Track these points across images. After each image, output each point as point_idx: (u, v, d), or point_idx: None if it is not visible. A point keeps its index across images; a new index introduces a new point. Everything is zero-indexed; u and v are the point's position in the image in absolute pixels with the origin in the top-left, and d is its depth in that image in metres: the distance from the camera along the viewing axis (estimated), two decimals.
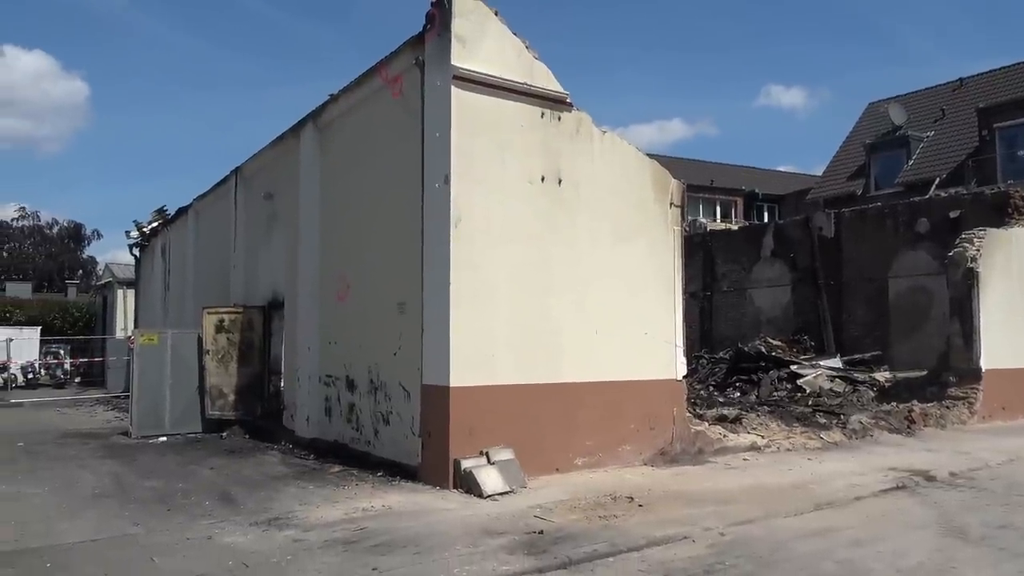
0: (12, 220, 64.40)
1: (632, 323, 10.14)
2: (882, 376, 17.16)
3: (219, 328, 14.10)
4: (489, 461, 8.45)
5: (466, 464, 8.30)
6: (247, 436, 13.16)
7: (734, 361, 18.47)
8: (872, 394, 16.04)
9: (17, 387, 26.34)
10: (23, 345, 28.97)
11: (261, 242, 15.02)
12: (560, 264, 9.49)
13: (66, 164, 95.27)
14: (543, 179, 9.44)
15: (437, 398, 8.61)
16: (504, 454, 8.51)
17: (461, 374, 8.51)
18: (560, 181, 9.59)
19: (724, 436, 11.02)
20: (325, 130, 12.27)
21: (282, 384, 13.81)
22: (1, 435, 13.84)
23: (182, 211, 20.69)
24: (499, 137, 9.02)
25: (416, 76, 9.37)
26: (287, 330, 13.41)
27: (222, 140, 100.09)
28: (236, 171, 16.08)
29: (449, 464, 8.33)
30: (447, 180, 8.65)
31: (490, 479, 8.14)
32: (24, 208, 65.43)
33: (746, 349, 18.68)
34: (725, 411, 13.05)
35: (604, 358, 9.76)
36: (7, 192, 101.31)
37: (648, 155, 10.92)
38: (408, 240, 9.33)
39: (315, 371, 11.95)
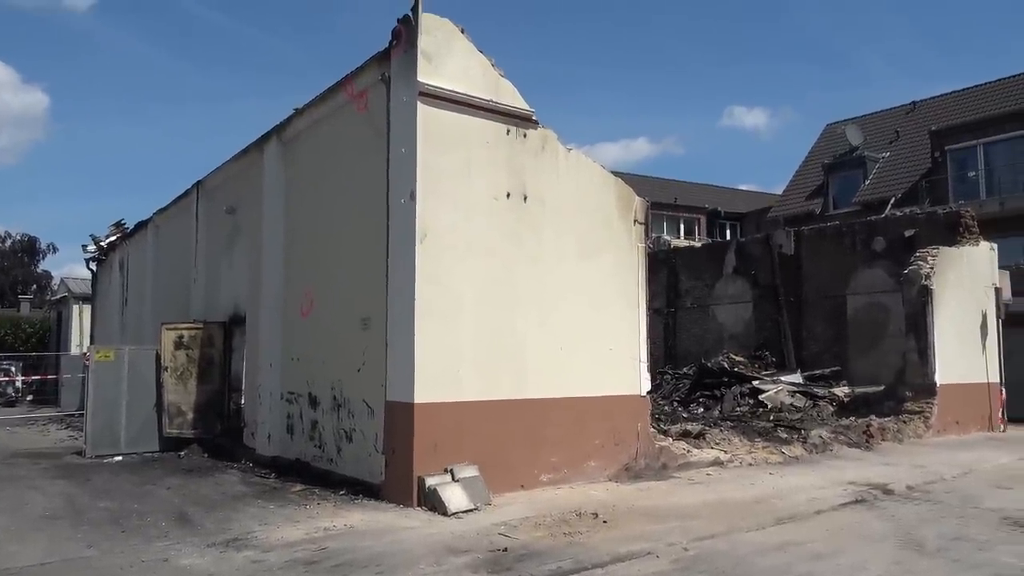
0: None
1: (597, 339, 10.19)
2: (841, 391, 17.48)
3: (178, 344, 13.81)
4: (454, 478, 8.39)
5: (430, 482, 8.23)
6: (206, 455, 12.86)
7: (698, 377, 18.66)
8: (832, 409, 16.32)
9: None
10: None
11: (223, 257, 14.81)
12: (525, 280, 9.52)
13: (22, 176, 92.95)
14: (509, 195, 9.48)
15: (401, 415, 8.54)
16: (469, 471, 8.46)
17: (425, 390, 8.46)
18: (526, 198, 9.65)
19: (688, 451, 11.10)
20: (290, 144, 12.17)
21: (243, 401, 13.56)
22: None
23: (141, 225, 20.31)
24: (465, 153, 9.05)
25: (382, 92, 9.36)
26: (249, 346, 13.20)
27: (186, 154, 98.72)
28: (198, 184, 15.86)
29: (413, 482, 8.26)
30: (413, 196, 8.64)
31: (455, 497, 8.08)
32: None
33: (709, 365, 18.89)
34: (689, 426, 13.16)
35: (569, 374, 9.79)
36: None
37: (614, 173, 11.04)
38: (373, 256, 9.29)
39: (277, 388, 11.78)
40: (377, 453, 8.99)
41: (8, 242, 63.54)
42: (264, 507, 8.38)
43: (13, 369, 30.75)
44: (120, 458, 12.78)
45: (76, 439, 15.22)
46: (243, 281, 13.60)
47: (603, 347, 10.26)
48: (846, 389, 17.69)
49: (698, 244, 31.38)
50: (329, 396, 10.32)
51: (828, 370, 19.19)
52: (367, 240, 9.54)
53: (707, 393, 17.67)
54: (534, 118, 9.78)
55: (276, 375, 11.81)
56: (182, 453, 12.98)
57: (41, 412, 23.72)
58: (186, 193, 16.65)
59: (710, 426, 13.39)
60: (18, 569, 6.03)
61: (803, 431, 13.36)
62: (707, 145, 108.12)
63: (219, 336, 13.98)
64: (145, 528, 7.42)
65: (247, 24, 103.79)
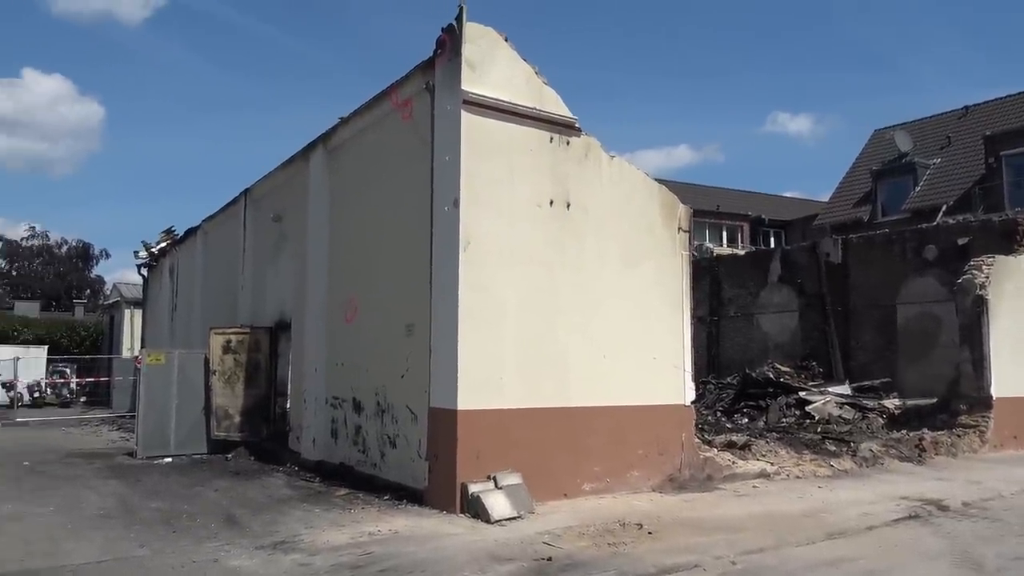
0: (22, 239, 64.93)
1: (640, 347, 10.10)
2: (891, 403, 17.00)
3: (226, 349, 14.09)
4: (497, 486, 8.38)
5: (473, 488, 8.23)
6: (252, 458, 13.10)
7: (741, 387, 18.34)
8: (882, 421, 15.88)
9: (23, 406, 25.99)
10: (30, 364, 28.88)
11: (269, 263, 15.07)
12: (568, 288, 9.48)
13: (78, 185, 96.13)
14: (552, 203, 9.48)
15: (444, 421, 8.56)
16: (512, 479, 8.44)
17: (469, 397, 8.47)
18: (569, 205, 9.63)
19: (733, 463, 10.91)
20: (334, 153, 12.36)
21: (288, 405, 13.78)
22: (7, 454, 13.80)
23: (191, 232, 20.80)
24: (508, 161, 9.07)
25: (426, 100, 9.45)
26: (294, 351, 13.41)
27: (233, 162, 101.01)
28: (245, 193, 16.20)
29: (456, 488, 8.27)
30: (456, 204, 8.68)
31: (498, 504, 8.06)
32: (34, 228, 65.94)
33: (754, 375, 18.56)
34: (734, 437, 12.93)
35: (612, 382, 9.72)
36: (19, 212, 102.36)
37: (655, 180, 10.95)
38: (417, 263, 9.34)
39: (322, 393, 11.93)
40: (420, 459, 9.02)
41: (64, 248, 65.70)
42: (309, 511, 8.48)
43: (68, 371, 31.78)
44: (170, 459, 13.08)
45: (127, 440, 15.66)
46: (289, 287, 13.84)
47: (646, 355, 10.15)
48: (896, 401, 17.20)
49: (741, 252, 30.95)
50: (373, 401, 10.41)
51: (877, 381, 18.68)
52: (411, 247, 9.60)
53: (751, 403, 17.35)
54: (577, 125, 9.77)
55: (321, 380, 11.98)
56: (229, 456, 13.24)
57: (94, 413, 24.49)
58: (234, 201, 17.03)
59: (755, 437, 13.15)
60: (75, 567, 6.20)
61: (852, 444, 13.03)
62: (750, 152, 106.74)
63: (265, 341, 14.24)
64: (195, 529, 7.57)
65: (293, 36, 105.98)
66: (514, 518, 7.93)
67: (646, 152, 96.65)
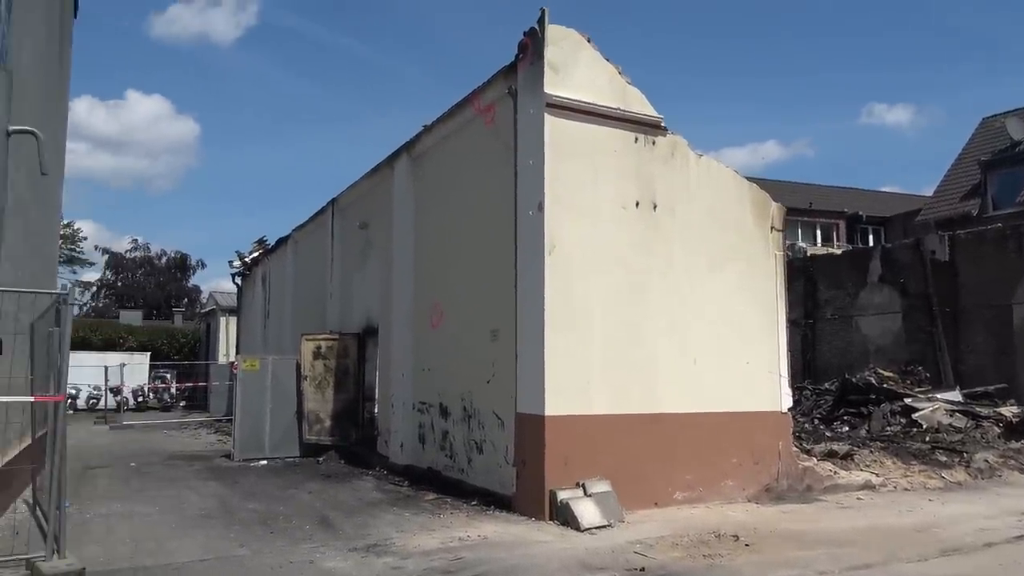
0: (126, 252, 68.77)
1: (733, 352, 9.75)
2: (1009, 411, 15.82)
3: (316, 354, 14.51)
4: (586, 493, 8.27)
5: (562, 495, 8.13)
6: (342, 461, 13.42)
7: (841, 393, 17.48)
8: (998, 430, 14.79)
9: (128, 409, 27.19)
10: (134, 369, 30.29)
11: (356, 270, 15.44)
12: (656, 290, 9.27)
13: (176, 199, 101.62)
14: (637, 204, 9.28)
15: (532, 427, 8.50)
16: (601, 486, 8.30)
17: (556, 403, 8.40)
18: (655, 206, 9.41)
19: (834, 473, 10.39)
20: (419, 160, 12.54)
21: (376, 410, 14.05)
22: (116, 456, 14.62)
23: (282, 241, 21.53)
24: (592, 163, 8.96)
25: (509, 105, 9.44)
26: (381, 357, 13.67)
27: (321, 172, 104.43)
28: (332, 202, 16.64)
29: (545, 495, 8.19)
30: (541, 207, 8.63)
31: (587, 512, 7.93)
32: (136, 240, 69.94)
33: (854, 380, 17.66)
34: (834, 446, 12.32)
35: (703, 388, 9.42)
36: (123, 226, 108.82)
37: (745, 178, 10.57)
38: (502, 267, 9.34)
39: (409, 398, 12.11)
40: (507, 465, 8.99)
41: (163, 259, 69.26)
42: (399, 514, 8.58)
43: (168, 376, 33.60)
44: (264, 462, 13.55)
45: (224, 443, 16.30)
46: (375, 293, 14.12)
47: (739, 360, 9.80)
48: (1014, 408, 15.99)
49: (838, 251, 29.60)
50: (459, 407, 10.47)
51: (992, 387, 17.44)
52: (496, 252, 9.60)
53: (852, 410, 16.51)
54: (662, 124, 9.55)
55: (408, 385, 12.17)
56: (320, 459, 13.61)
57: (192, 417, 25.77)
58: (322, 210, 17.51)
59: (858, 446, 12.48)
60: (179, 565, 6.46)
61: (966, 454, 12.18)
62: (843, 146, 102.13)
63: (354, 347, 14.60)
64: (291, 530, 7.78)
65: (376, 48, 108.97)
66: (604, 526, 7.78)
67: (731, 150, 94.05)
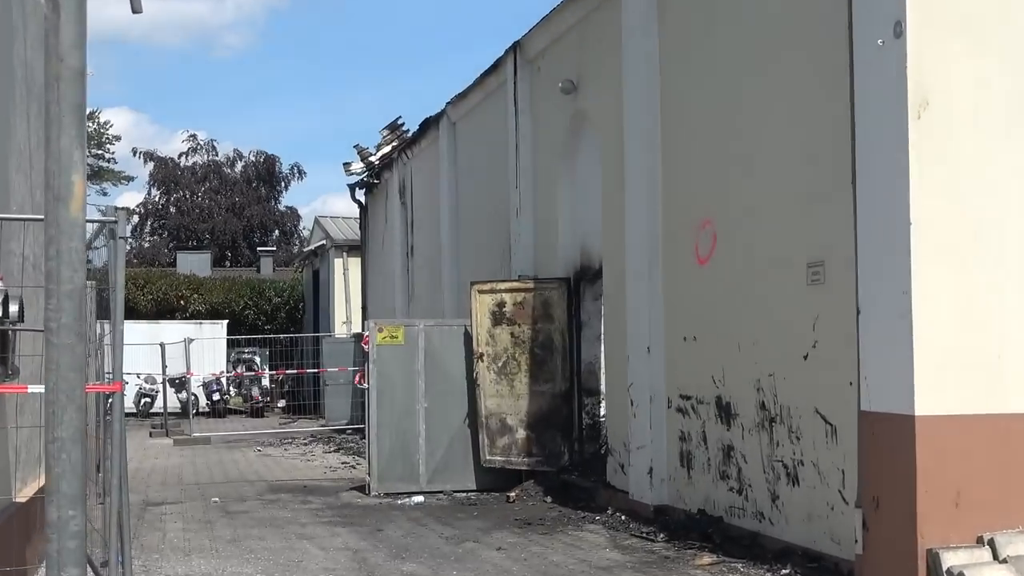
0: (179, 156, 44.16)
1: None
2: None
3: (497, 317, 10.11)
4: (996, 556, 5.58)
5: (951, 561, 5.57)
6: (548, 498, 9.47)
7: None
8: None
9: (199, 413, 19.46)
10: (204, 349, 20.69)
11: (560, 167, 10.81)
12: None
13: (254, 66, 65.26)
14: None
15: (890, 437, 5.66)
16: None
17: (936, 393, 5.56)
18: None
19: None
20: None
21: (602, 411, 9.94)
22: (189, 486, 11.15)
23: (429, 123, 14.65)
24: None
25: None
26: (608, 318, 9.68)
27: (487, 7, 64.57)
28: (514, 48, 11.37)
29: (918, 558, 5.49)
30: (898, 31, 5.55)
31: None
32: (195, 136, 44.67)
33: None
34: None
35: None
36: (174, 115, 69.03)
37: None
38: (822, 151, 6.33)
39: (660, 388, 8.42)
40: (845, 504, 5.96)
41: (238, 166, 44.43)
42: None
43: (257, 360, 22.62)
44: (421, 498, 9.69)
45: (354, 467, 12.29)
46: (594, 208, 9.97)
47: None
48: None
49: None
50: (752, 401, 6.98)
51: None
52: (808, 125, 6.44)
53: None
54: None
55: (657, 367, 8.44)
56: (512, 494, 9.67)
57: (298, 425, 18.50)
58: (495, 65, 11.94)
59: None
60: None
61: None
62: None
63: (560, 302, 10.04)
64: None
65: None
66: None
67: None
